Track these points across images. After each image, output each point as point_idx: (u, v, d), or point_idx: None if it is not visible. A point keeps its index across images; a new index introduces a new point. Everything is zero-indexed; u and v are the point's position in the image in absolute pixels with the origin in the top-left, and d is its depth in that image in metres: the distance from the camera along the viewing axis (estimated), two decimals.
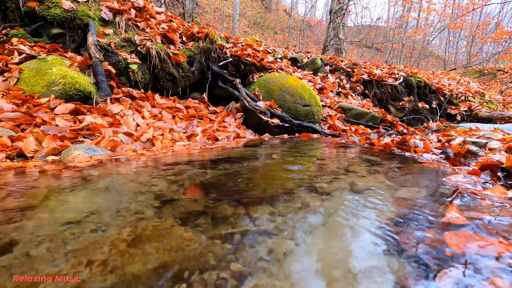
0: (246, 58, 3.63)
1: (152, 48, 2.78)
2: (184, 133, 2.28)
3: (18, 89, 1.97)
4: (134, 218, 0.69)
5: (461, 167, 1.31)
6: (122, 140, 1.78)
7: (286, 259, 0.53)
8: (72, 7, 2.56)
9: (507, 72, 13.13)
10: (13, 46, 2.26)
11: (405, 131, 4.02)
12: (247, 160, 1.41)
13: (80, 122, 1.83)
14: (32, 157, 1.40)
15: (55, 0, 2.53)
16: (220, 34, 3.95)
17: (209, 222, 0.68)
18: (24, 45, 2.31)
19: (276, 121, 2.98)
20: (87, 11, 2.64)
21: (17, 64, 2.14)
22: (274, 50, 5.90)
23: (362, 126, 3.79)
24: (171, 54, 2.94)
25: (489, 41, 16.14)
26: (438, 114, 5.40)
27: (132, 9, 3.02)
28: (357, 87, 5.26)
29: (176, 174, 1.10)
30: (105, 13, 2.75)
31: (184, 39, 3.36)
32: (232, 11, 12.58)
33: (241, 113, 3.13)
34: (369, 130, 3.71)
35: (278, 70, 4.43)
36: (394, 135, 3.37)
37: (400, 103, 5.30)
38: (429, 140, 2.28)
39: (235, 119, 3.01)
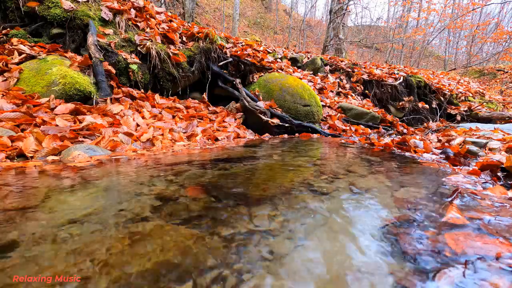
0: (246, 58, 3.63)
1: (152, 48, 2.78)
2: (184, 133, 2.28)
3: (18, 89, 1.97)
4: (134, 218, 0.69)
5: (461, 167, 1.31)
6: (122, 140, 1.78)
7: (286, 259, 0.53)
8: (72, 7, 2.56)
9: (507, 72, 13.13)
10: (13, 46, 2.26)
11: (405, 131, 4.02)
12: (247, 160, 1.41)
13: (80, 122, 1.83)
14: (32, 157, 1.40)
15: (55, 0, 2.53)
16: (220, 34, 3.95)
17: (209, 222, 0.68)
18: (24, 45, 2.31)
19: (276, 121, 2.98)
20: (87, 11, 2.64)
21: (17, 64, 2.14)
22: (274, 50, 5.90)
23: (362, 126, 3.80)
24: (171, 54, 2.94)
25: (489, 41, 16.14)
26: (438, 114, 5.40)
27: (132, 9, 3.02)
28: (357, 87, 5.26)
29: (176, 174, 1.10)
30: (105, 13, 2.75)
31: (184, 39, 3.36)
32: (232, 11, 12.58)
33: (241, 113, 3.14)
34: (369, 130, 3.71)
35: (278, 70, 4.43)
36: (394, 135, 3.37)
37: (400, 103, 5.30)
38: (429, 140, 2.28)
39: (235, 119, 3.01)
